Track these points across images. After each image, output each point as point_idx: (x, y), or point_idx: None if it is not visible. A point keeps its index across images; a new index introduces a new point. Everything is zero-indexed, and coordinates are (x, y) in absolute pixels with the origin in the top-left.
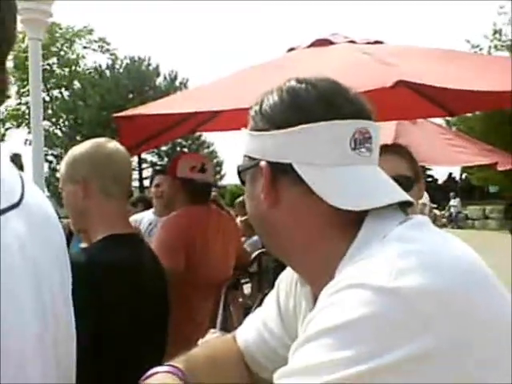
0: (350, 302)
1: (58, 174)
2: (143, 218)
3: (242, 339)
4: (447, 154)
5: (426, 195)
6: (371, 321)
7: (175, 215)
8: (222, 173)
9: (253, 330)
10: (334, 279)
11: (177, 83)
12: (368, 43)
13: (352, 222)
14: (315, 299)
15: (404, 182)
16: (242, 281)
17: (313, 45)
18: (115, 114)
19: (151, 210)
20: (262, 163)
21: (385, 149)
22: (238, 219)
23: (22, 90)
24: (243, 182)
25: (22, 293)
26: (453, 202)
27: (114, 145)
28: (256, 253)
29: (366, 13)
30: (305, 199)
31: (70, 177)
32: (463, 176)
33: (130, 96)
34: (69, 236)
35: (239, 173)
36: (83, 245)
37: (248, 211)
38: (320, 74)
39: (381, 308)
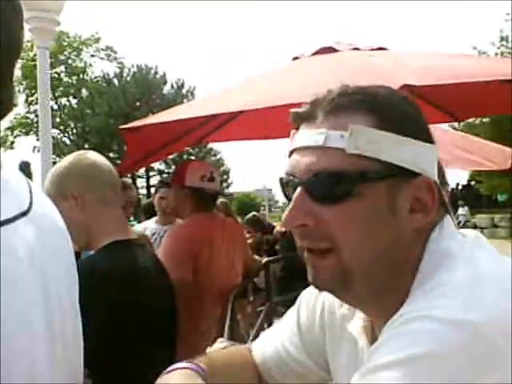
0: (422, 334)
1: None
2: (146, 229)
3: (259, 353)
4: (454, 159)
5: None
6: (445, 356)
7: (182, 225)
8: (229, 181)
9: (270, 346)
10: (403, 308)
11: (184, 91)
12: (372, 50)
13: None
14: (372, 331)
15: None
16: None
17: (317, 53)
18: (121, 127)
19: (153, 220)
20: (424, 176)
21: None
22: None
23: (30, 99)
24: (346, 194)
25: (31, 299)
26: (461, 211)
27: (93, 154)
28: (263, 261)
29: (370, 20)
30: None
31: (60, 194)
32: (471, 184)
33: (138, 104)
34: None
35: (359, 178)
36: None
37: (362, 234)
38: (326, 79)
39: (455, 343)
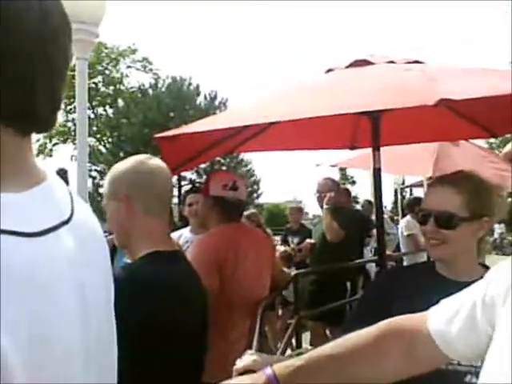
0: None
1: (101, 190)
2: (181, 236)
3: (438, 329)
4: (490, 178)
5: None
6: None
7: (206, 235)
8: (259, 191)
9: (454, 321)
10: None
11: (216, 103)
12: (407, 63)
13: None
14: None
15: (443, 219)
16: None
17: (351, 65)
18: (156, 135)
19: (189, 228)
20: None
21: (445, 178)
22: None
23: (68, 107)
24: None
25: (68, 308)
26: (497, 228)
27: (155, 162)
28: (292, 274)
29: (404, 33)
30: None
31: (112, 194)
32: (508, 201)
33: (172, 114)
34: (113, 250)
35: None
36: (127, 259)
37: None
38: (361, 91)
39: None
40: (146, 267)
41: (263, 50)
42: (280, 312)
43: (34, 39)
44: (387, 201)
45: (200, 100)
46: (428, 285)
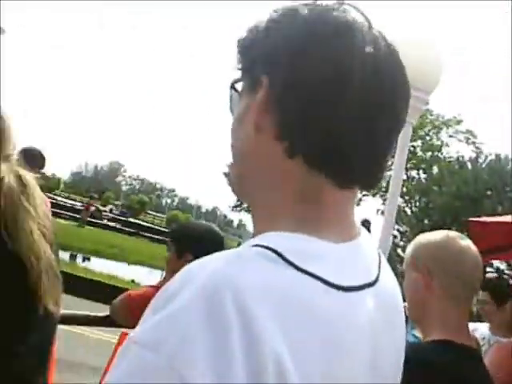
0: None
1: (399, 250)
2: (476, 330)
3: None
4: None
5: None
6: None
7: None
8: None
9: None
10: None
11: None
12: None
13: None
14: None
15: None
16: None
17: None
18: (470, 219)
19: (486, 325)
20: None
21: None
22: None
23: None
24: None
25: (358, 372)
26: None
27: (466, 242)
28: None
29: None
30: None
31: (413, 263)
32: None
33: (488, 192)
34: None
35: None
36: (416, 332)
37: None
38: None
39: None
40: (441, 356)
41: None
42: None
43: (359, 99)
44: None
45: None
46: None
